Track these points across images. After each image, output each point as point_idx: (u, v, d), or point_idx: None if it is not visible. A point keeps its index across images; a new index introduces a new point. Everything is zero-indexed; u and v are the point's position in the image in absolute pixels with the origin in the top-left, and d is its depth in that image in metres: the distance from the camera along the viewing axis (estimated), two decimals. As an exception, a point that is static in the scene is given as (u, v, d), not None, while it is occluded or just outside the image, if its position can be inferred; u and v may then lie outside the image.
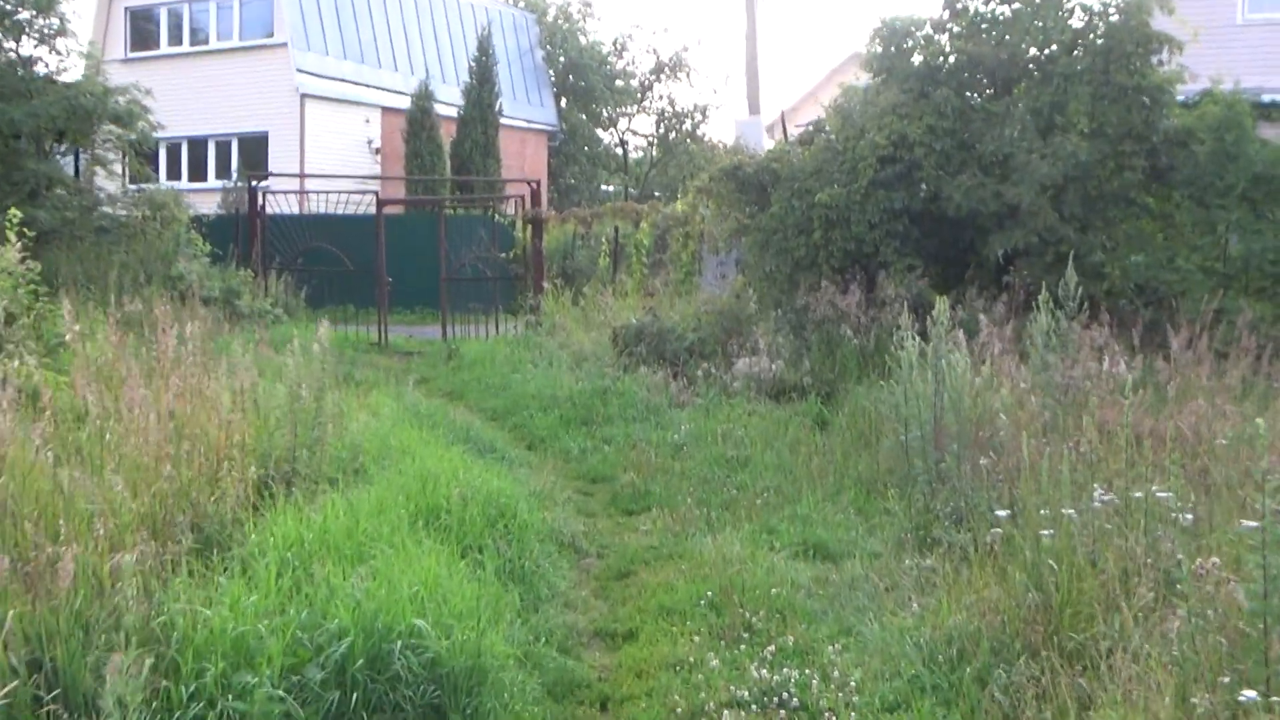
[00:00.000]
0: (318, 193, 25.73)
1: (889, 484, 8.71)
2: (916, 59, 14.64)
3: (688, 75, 46.44)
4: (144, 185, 23.13)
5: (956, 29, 14.64)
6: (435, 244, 20.63)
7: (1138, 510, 5.50)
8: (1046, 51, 14.25)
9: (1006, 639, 5.27)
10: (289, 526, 5.82)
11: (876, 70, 14.69)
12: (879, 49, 14.82)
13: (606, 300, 18.41)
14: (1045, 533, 5.52)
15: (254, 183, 22.84)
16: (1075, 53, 13.94)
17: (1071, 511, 5.55)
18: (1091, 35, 13.83)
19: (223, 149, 32.80)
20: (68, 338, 7.38)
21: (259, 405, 7.58)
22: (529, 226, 20.63)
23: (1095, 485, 5.86)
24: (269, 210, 23.74)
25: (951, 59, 14.51)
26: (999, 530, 6.06)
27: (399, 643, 4.81)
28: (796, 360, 13.54)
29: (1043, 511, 5.74)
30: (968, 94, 14.56)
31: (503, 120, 33.85)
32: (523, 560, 6.82)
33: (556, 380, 14.89)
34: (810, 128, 15.33)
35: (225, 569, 5.46)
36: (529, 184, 20.84)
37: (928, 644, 5.53)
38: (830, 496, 8.93)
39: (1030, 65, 14.44)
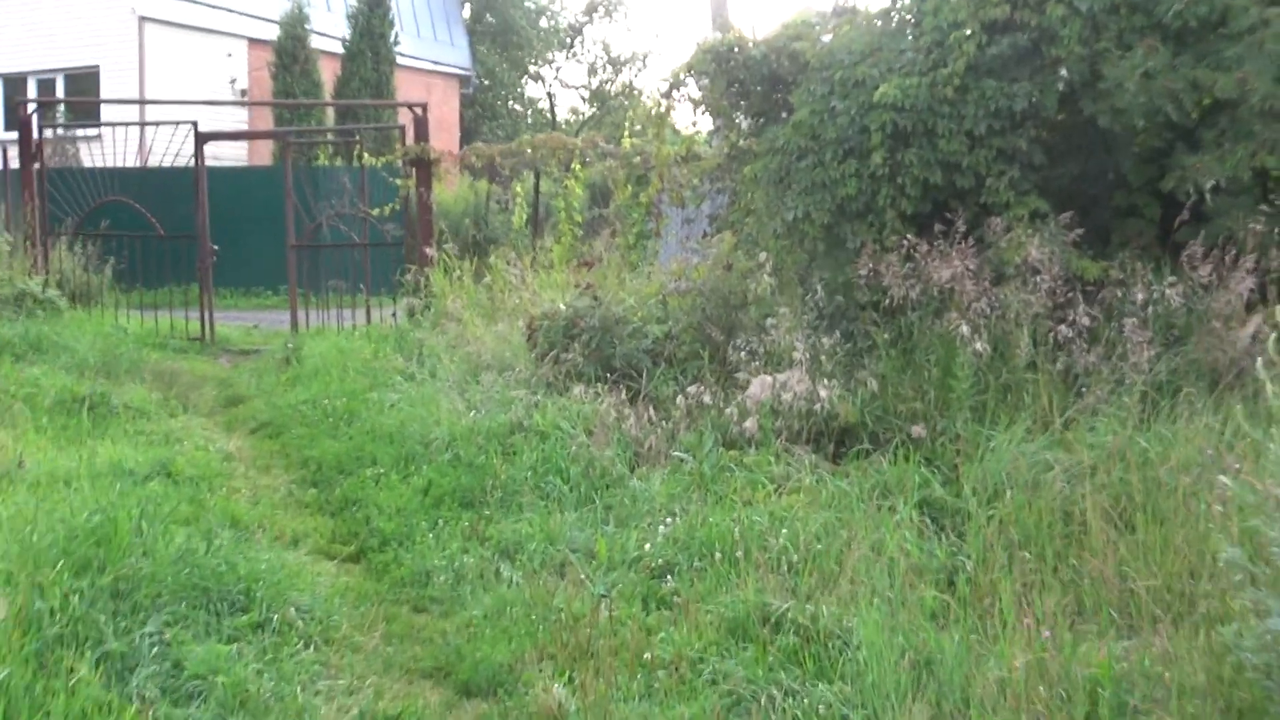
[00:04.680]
0: (151, 124, 18.80)
1: None
2: None
3: (625, 17, 40.16)
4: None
5: None
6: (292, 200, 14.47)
7: None
8: None
9: None
10: None
11: None
12: None
13: (522, 275, 12.24)
14: None
15: (31, 113, 16.23)
16: None
17: None
18: None
19: (46, 89, 26.09)
20: None
21: None
22: (413, 170, 14.34)
23: None
24: (72, 163, 17.31)
25: None
26: None
27: None
28: (851, 377, 7.58)
29: None
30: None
31: (400, 58, 27.42)
32: None
33: (434, 406, 8.84)
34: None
35: None
36: (412, 109, 14.57)
37: None
38: None
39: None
